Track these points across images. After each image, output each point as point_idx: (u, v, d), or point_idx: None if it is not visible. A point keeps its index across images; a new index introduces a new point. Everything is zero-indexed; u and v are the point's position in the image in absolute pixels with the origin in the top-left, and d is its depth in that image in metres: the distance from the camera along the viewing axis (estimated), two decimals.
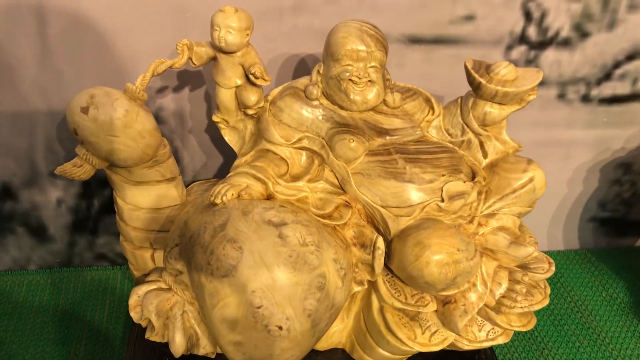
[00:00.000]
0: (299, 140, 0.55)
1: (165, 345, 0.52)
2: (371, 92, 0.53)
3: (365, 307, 0.56)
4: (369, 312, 0.55)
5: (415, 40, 0.65)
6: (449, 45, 0.65)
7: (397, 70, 0.64)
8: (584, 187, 0.81)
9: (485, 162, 0.57)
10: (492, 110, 0.54)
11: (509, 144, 0.56)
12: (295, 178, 0.55)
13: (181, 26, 0.59)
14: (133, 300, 0.54)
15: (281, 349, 0.45)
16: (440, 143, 0.56)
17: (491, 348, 0.62)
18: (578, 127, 0.74)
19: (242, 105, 0.56)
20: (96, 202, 0.72)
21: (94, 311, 0.70)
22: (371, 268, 0.51)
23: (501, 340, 0.55)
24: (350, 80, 0.52)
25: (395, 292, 0.53)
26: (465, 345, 0.55)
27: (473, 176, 0.54)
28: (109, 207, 0.71)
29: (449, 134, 0.57)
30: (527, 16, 0.65)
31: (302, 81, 0.55)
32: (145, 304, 0.52)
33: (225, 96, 0.55)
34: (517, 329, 0.55)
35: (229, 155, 0.69)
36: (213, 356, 0.53)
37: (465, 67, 0.54)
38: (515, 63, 0.55)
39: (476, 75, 0.53)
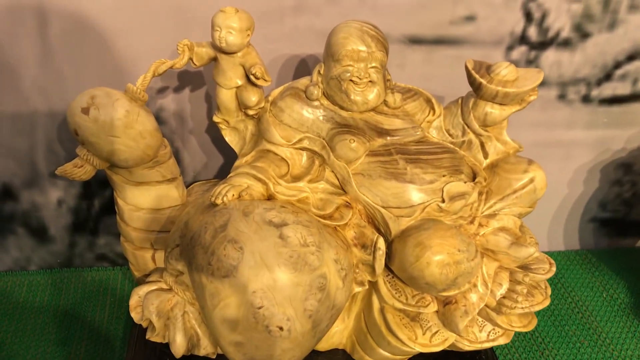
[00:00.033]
0: (300, 140, 0.55)
1: (166, 346, 0.52)
2: (372, 92, 0.53)
3: (366, 308, 0.56)
4: (370, 313, 0.55)
5: (415, 41, 0.65)
6: (449, 45, 0.65)
7: (398, 70, 0.64)
8: (584, 187, 0.81)
9: (485, 162, 0.57)
10: (493, 110, 0.54)
11: (509, 144, 0.56)
12: (296, 178, 0.55)
13: (182, 26, 0.59)
14: (134, 300, 0.54)
15: (282, 350, 0.45)
16: (441, 143, 0.56)
17: (492, 349, 0.62)
18: (578, 128, 0.74)
19: (242, 106, 0.56)
20: (97, 202, 0.72)
21: (95, 312, 0.70)
22: (372, 269, 0.51)
23: (502, 341, 0.55)
24: (350, 80, 0.52)
25: (396, 293, 0.53)
26: (466, 346, 0.55)
27: (474, 177, 0.54)
28: (110, 208, 0.71)
29: (450, 135, 0.57)
30: (528, 17, 0.65)
31: (303, 82, 0.55)
32: (146, 304, 0.52)
33: (226, 97, 0.55)
34: (517, 330, 0.55)
35: (229, 156, 0.69)
36: (214, 357, 0.53)
37: (466, 67, 0.54)
38: (516, 63, 0.55)
39: (477, 76, 0.53)
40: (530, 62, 0.68)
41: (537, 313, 0.56)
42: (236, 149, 0.59)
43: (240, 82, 0.54)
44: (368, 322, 0.56)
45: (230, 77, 0.53)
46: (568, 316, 0.74)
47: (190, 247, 0.48)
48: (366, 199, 0.52)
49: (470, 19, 0.64)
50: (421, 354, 0.55)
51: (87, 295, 0.72)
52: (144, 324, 0.53)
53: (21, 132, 0.65)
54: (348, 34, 0.51)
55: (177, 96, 0.65)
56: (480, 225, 0.54)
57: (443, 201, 0.51)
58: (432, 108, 0.57)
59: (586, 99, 0.72)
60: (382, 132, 0.54)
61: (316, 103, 0.54)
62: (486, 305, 0.53)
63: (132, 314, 0.54)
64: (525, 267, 0.54)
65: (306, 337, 0.46)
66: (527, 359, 0.68)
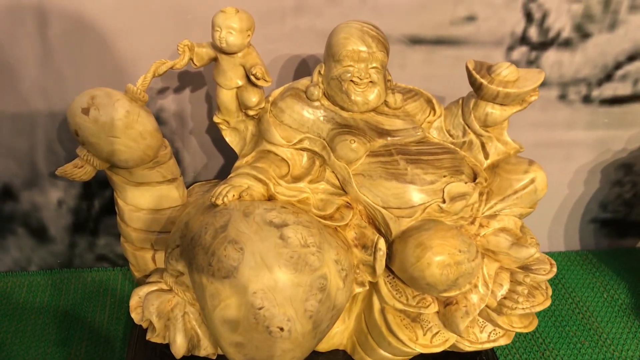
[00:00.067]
0: (300, 141, 0.55)
1: (166, 347, 0.52)
2: (372, 93, 0.53)
3: (366, 309, 0.56)
4: (370, 313, 0.55)
5: (416, 41, 0.65)
6: (450, 46, 0.65)
7: (399, 71, 0.64)
8: (585, 188, 0.81)
9: (486, 163, 0.57)
10: (494, 111, 0.54)
11: (510, 144, 0.56)
12: (297, 179, 0.55)
13: (182, 27, 0.59)
14: (134, 301, 0.54)
15: (282, 350, 0.45)
16: (442, 144, 0.56)
17: (492, 349, 0.62)
18: (579, 128, 0.74)
19: (243, 106, 0.55)
20: (97, 203, 0.72)
21: (95, 312, 0.70)
22: (372, 269, 0.51)
23: (503, 342, 0.55)
24: (351, 81, 0.52)
25: (396, 294, 0.53)
26: (467, 347, 0.55)
27: (474, 177, 0.54)
28: (110, 208, 0.71)
29: (450, 135, 0.57)
30: (528, 17, 0.65)
31: (303, 82, 0.55)
32: (146, 305, 0.52)
33: (226, 97, 0.55)
34: (518, 330, 0.55)
35: (229, 156, 0.69)
36: (214, 357, 0.53)
37: (467, 68, 0.54)
38: (517, 64, 0.55)
39: (477, 76, 0.53)
40: (531, 63, 0.68)
41: (538, 314, 0.55)
42: (236, 149, 0.59)
43: (240, 83, 0.54)
44: (369, 322, 0.56)
45: (231, 78, 0.53)
46: (569, 317, 0.74)
47: (191, 248, 0.48)
48: (367, 200, 0.52)
49: (470, 19, 0.64)
50: (422, 355, 0.55)
51: (87, 295, 0.72)
52: (144, 325, 0.53)
53: (21, 132, 0.65)
54: (349, 35, 0.51)
55: (177, 97, 0.65)
56: (480, 225, 0.54)
57: (444, 202, 0.51)
58: (433, 108, 0.57)
59: (587, 100, 0.72)
60: (383, 133, 0.54)
61: (317, 103, 0.54)
62: (487, 306, 0.53)
63: (133, 315, 0.54)
64: (526, 268, 0.54)
65: (307, 338, 0.45)
66: (527, 359, 0.68)
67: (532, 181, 0.54)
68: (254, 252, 0.44)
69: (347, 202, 0.53)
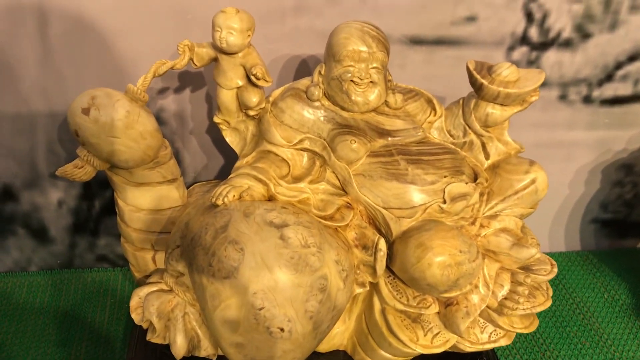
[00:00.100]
0: (301, 141, 0.55)
1: (167, 347, 0.52)
2: (373, 93, 0.53)
3: (367, 309, 0.56)
4: (371, 314, 0.55)
5: (416, 41, 0.64)
6: (450, 46, 0.65)
7: (399, 71, 0.64)
8: (585, 188, 0.81)
9: (487, 163, 0.57)
10: (494, 111, 0.54)
11: (511, 145, 0.56)
12: (297, 179, 0.55)
13: (182, 27, 0.59)
14: (134, 301, 0.53)
15: (283, 351, 0.45)
16: (442, 144, 0.56)
17: (493, 350, 0.62)
18: (580, 128, 0.74)
19: (243, 107, 0.55)
20: (97, 203, 0.72)
21: (95, 313, 0.70)
22: (373, 270, 0.51)
23: (503, 342, 0.55)
24: (351, 81, 0.52)
25: (397, 294, 0.53)
26: (468, 347, 0.55)
27: (475, 177, 0.54)
28: (110, 209, 0.71)
29: (451, 135, 0.57)
30: (529, 17, 0.65)
31: (304, 82, 0.55)
32: (147, 305, 0.52)
33: (227, 97, 0.55)
34: (519, 331, 0.55)
35: (230, 157, 0.69)
36: (214, 358, 0.53)
37: (467, 68, 0.54)
38: (517, 64, 0.55)
39: (478, 77, 0.52)
40: (532, 63, 0.68)
41: (539, 314, 0.55)
42: (237, 149, 0.59)
43: (241, 83, 0.54)
44: (369, 323, 0.56)
45: (231, 78, 0.53)
46: (569, 317, 0.74)
47: (191, 248, 0.48)
48: (367, 200, 0.52)
49: (471, 19, 0.64)
50: (422, 356, 0.55)
51: (87, 296, 0.72)
52: (145, 325, 0.53)
53: (21, 132, 0.65)
54: (349, 35, 0.51)
55: (177, 97, 0.65)
56: (481, 226, 0.54)
57: (444, 202, 0.51)
58: (434, 109, 0.57)
59: (587, 100, 0.72)
60: (383, 133, 0.54)
61: (317, 104, 0.54)
62: (487, 307, 0.53)
63: (133, 315, 0.54)
64: (526, 268, 0.54)
65: (307, 339, 0.45)
66: None
67: (533, 181, 0.54)
68: (254, 253, 0.44)
69: (348, 203, 0.53)
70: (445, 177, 0.52)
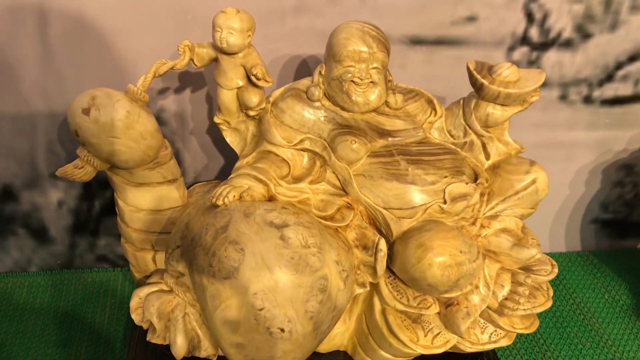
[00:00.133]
0: (301, 141, 0.55)
1: (167, 348, 0.52)
2: (373, 93, 0.53)
3: (367, 309, 0.56)
4: (371, 314, 0.55)
5: (417, 42, 0.64)
6: (450, 46, 0.65)
7: (399, 71, 0.64)
8: (586, 188, 0.81)
9: (487, 163, 0.56)
10: (495, 111, 0.54)
11: (511, 145, 0.56)
12: (297, 179, 0.55)
13: (183, 27, 0.59)
14: (134, 302, 0.53)
15: (283, 351, 0.45)
16: (443, 144, 0.56)
17: (494, 350, 0.62)
18: (580, 129, 0.74)
19: (243, 107, 0.55)
20: (97, 203, 0.72)
21: (95, 313, 0.70)
22: (373, 270, 0.51)
23: (504, 343, 0.55)
24: (352, 81, 0.52)
25: (397, 294, 0.53)
26: (468, 348, 0.55)
27: (475, 178, 0.54)
28: (110, 209, 0.71)
29: (451, 135, 0.57)
30: (529, 17, 0.65)
31: (304, 82, 0.55)
32: (147, 306, 0.52)
33: (227, 97, 0.55)
34: (519, 331, 0.55)
35: (230, 157, 0.69)
36: (214, 358, 0.53)
37: (468, 68, 0.54)
38: (517, 64, 0.55)
39: (478, 77, 0.52)
40: (532, 63, 0.68)
41: (539, 315, 0.55)
42: (237, 150, 0.59)
43: (241, 83, 0.54)
44: (369, 323, 0.56)
45: (231, 78, 0.53)
46: (570, 318, 0.74)
47: (191, 249, 0.47)
48: (367, 200, 0.52)
49: (471, 19, 0.64)
50: (423, 356, 0.55)
51: (87, 296, 0.72)
52: (145, 326, 0.53)
53: (21, 132, 0.65)
54: (349, 35, 0.51)
55: (177, 97, 0.65)
56: (482, 226, 0.54)
57: (445, 202, 0.51)
58: (434, 109, 0.57)
59: (588, 100, 0.72)
60: (384, 133, 0.54)
61: (317, 104, 0.54)
62: (488, 307, 0.53)
63: (133, 316, 0.53)
64: (527, 269, 0.54)
65: (307, 339, 0.45)
66: None
67: (534, 182, 0.54)
68: (254, 253, 0.44)
69: (348, 203, 0.53)
70: (445, 177, 0.52)
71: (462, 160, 0.55)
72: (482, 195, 0.54)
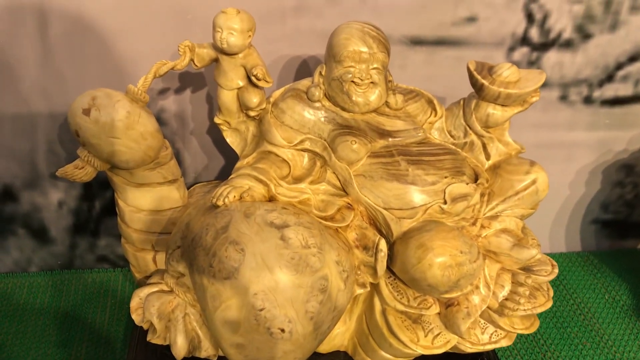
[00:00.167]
0: (301, 142, 0.55)
1: (167, 348, 0.52)
2: (373, 93, 0.53)
3: (367, 310, 0.56)
4: (372, 315, 0.55)
5: (417, 42, 0.64)
6: (451, 46, 0.65)
7: (399, 71, 0.64)
8: (586, 189, 0.81)
9: (487, 164, 0.56)
10: (495, 111, 0.54)
11: (511, 145, 0.56)
12: (298, 180, 0.55)
13: (183, 28, 0.59)
14: (135, 302, 0.53)
15: (283, 352, 0.45)
16: (443, 145, 0.56)
17: (494, 351, 0.62)
18: (580, 129, 0.74)
19: (244, 107, 0.55)
20: (97, 204, 0.72)
21: (95, 313, 0.70)
22: (373, 270, 0.51)
23: (504, 343, 0.55)
24: (352, 81, 0.52)
25: (397, 295, 0.53)
26: (468, 348, 0.55)
27: (476, 178, 0.54)
28: (110, 209, 0.71)
29: (452, 136, 0.57)
30: (529, 18, 0.65)
31: (304, 83, 0.55)
32: (147, 306, 0.52)
33: (227, 98, 0.55)
34: (520, 332, 0.55)
35: (230, 157, 0.69)
36: (215, 359, 0.53)
37: (468, 68, 0.54)
38: (518, 64, 0.55)
39: (479, 77, 0.52)
40: (532, 63, 0.68)
41: (539, 315, 0.55)
42: (237, 150, 0.59)
43: (241, 83, 0.54)
44: (370, 324, 0.56)
45: (232, 78, 0.53)
46: (570, 318, 0.74)
47: (192, 249, 0.47)
48: (368, 201, 0.52)
49: (471, 20, 0.64)
50: (423, 356, 0.55)
51: (87, 297, 0.72)
52: (145, 326, 0.53)
53: (22, 133, 0.65)
54: (349, 35, 0.51)
55: (178, 97, 0.65)
56: (482, 226, 0.54)
57: (445, 203, 0.51)
58: (434, 109, 0.57)
59: (588, 100, 0.72)
60: (384, 134, 0.54)
61: (317, 104, 0.54)
62: (488, 307, 0.53)
63: (133, 316, 0.53)
64: (527, 269, 0.54)
65: (307, 339, 0.45)
66: None
67: (534, 182, 0.54)
68: (254, 253, 0.44)
69: (348, 203, 0.53)
70: (445, 177, 0.52)
71: (462, 161, 0.55)
72: (482, 195, 0.54)
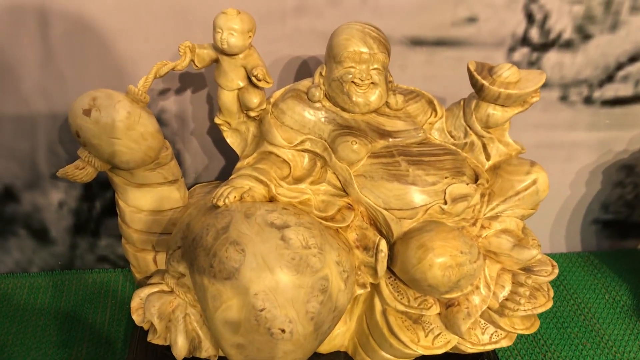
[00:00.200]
0: (302, 142, 0.55)
1: (168, 348, 0.52)
2: (374, 94, 0.53)
3: (368, 310, 0.56)
4: (372, 315, 0.55)
5: (417, 42, 0.64)
6: (451, 47, 0.65)
7: (400, 72, 0.64)
8: (586, 189, 0.81)
9: (488, 164, 0.56)
10: (495, 112, 0.54)
11: (511, 146, 0.56)
12: (298, 180, 0.55)
13: (183, 28, 0.59)
14: (135, 302, 0.53)
15: (284, 352, 0.45)
16: (443, 145, 0.56)
17: (494, 351, 0.62)
18: (580, 129, 0.74)
19: (244, 108, 0.55)
20: (98, 204, 0.72)
21: (96, 314, 0.70)
22: (374, 271, 0.51)
23: (504, 343, 0.55)
24: (352, 82, 0.52)
25: (398, 295, 0.53)
26: (469, 348, 0.55)
27: (476, 178, 0.54)
28: (111, 210, 0.71)
29: (452, 136, 0.57)
30: (530, 18, 0.65)
31: (305, 83, 0.55)
32: (148, 306, 0.52)
33: (228, 98, 0.55)
34: (520, 332, 0.55)
35: (231, 158, 0.69)
36: (215, 359, 0.53)
37: (468, 69, 0.54)
38: (518, 65, 0.55)
39: (479, 78, 0.52)
40: (532, 64, 0.68)
41: (540, 315, 0.55)
42: (238, 150, 0.59)
43: (241, 84, 0.54)
44: (370, 324, 0.56)
45: (232, 79, 0.53)
46: (570, 318, 0.74)
47: (192, 249, 0.47)
48: (368, 201, 0.52)
49: (471, 20, 0.64)
50: (423, 357, 0.55)
51: (88, 297, 0.72)
52: (146, 326, 0.53)
53: (22, 133, 0.65)
54: (350, 36, 0.51)
55: (178, 98, 0.65)
56: (482, 227, 0.54)
57: (445, 203, 0.51)
58: (434, 109, 0.57)
59: (588, 101, 0.72)
60: (384, 134, 0.54)
61: (318, 105, 0.54)
62: (489, 308, 0.53)
63: (134, 316, 0.53)
64: (527, 269, 0.54)
65: (308, 340, 0.45)
66: None
67: (534, 182, 0.54)
68: (255, 254, 0.44)
69: (349, 204, 0.53)
70: (446, 178, 0.52)
71: (462, 161, 0.55)
72: (482, 195, 0.54)
